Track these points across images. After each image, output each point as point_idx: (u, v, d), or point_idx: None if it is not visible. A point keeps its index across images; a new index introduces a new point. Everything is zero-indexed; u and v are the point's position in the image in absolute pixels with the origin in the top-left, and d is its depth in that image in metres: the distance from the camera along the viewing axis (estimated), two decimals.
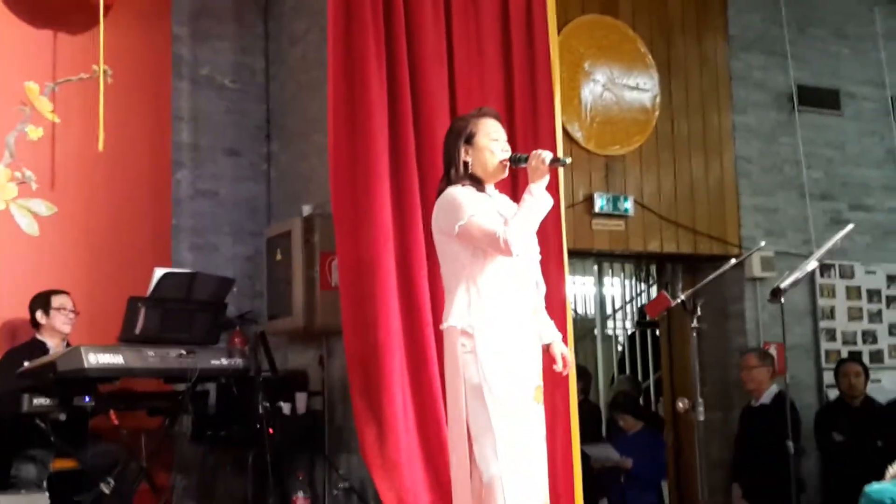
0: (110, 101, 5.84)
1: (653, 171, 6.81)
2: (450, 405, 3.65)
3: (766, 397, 6.33)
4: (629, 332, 8.45)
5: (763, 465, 5.79)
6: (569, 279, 5.38)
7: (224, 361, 5.27)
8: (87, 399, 4.87)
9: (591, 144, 6.59)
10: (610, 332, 8.51)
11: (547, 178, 3.63)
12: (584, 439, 6.30)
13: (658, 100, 6.84)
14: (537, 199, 3.58)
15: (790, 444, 6.38)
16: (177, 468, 5.76)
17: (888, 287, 7.63)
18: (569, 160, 3.83)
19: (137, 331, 5.05)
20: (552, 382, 4.77)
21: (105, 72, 5.88)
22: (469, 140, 3.72)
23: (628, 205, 6.63)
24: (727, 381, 7.11)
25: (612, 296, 8.31)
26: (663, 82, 6.88)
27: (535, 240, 3.74)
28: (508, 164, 3.75)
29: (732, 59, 7.22)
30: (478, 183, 3.71)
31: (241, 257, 6.53)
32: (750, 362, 6.45)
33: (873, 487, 3.28)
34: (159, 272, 5.19)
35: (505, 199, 3.85)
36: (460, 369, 3.53)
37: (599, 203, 6.54)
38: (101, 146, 5.55)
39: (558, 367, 3.79)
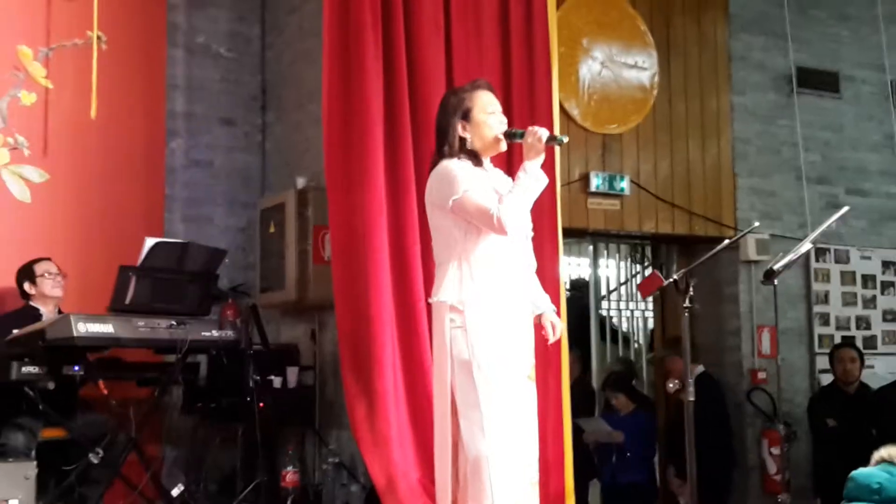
0: (104, 67, 5.79)
1: (650, 151, 6.77)
2: (435, 381, 3.63)
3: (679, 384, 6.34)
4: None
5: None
6: (564, 259, 5.35)
7: (215, 333, 5.24)
8: (76, 368, 4.84)
9: (588, 122, 6.54)
10: (604, 313, 8.49)
11: (542, 156, 3.57)
12: (577, 416, 6.32)
13: (656, 79, 6.79)
14: (532, 178, 3.53)
15: (780, 426, 6.44)
16: (166, 439, 5.74)
17: (883, 273, 7.61)
18: (566, 139, 3.78)
19: (128, 300, 5.02)
20: (545, 360, 4.76)
21: (99, 38, 5.82)
22: (466, 116, 3.66)
23: (624, 184, 6.59)
24: (720, 362, 7.11)
25: (608, 276, 8.28)
26: (662, 61, 6.83)
27: (529, 217, 3.70)
28: (504, 138, 3.69)
29: (732, 39, 7.17)
30: (474, 157, 3.66)
31: (234, 229, 6.50)
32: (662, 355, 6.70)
33: (860, 472, 3.27)
34: (150, 242, 5.16)
35: (500, 174, 3.81)
36: (448, 345, 3.50)
37: (595, 182, 6.50)
38: (93, 113, 5.50)
39: (548, 334, 3.76)
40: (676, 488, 6.46)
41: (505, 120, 3.73)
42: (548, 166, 4.80)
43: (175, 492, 5.09)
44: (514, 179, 3.63)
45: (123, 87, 6.05)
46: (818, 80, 7.47)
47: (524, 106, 5.28)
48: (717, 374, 7.01)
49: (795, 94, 7.33)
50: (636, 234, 7.04)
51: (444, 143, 3.66)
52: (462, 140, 3.65)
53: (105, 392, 5.03)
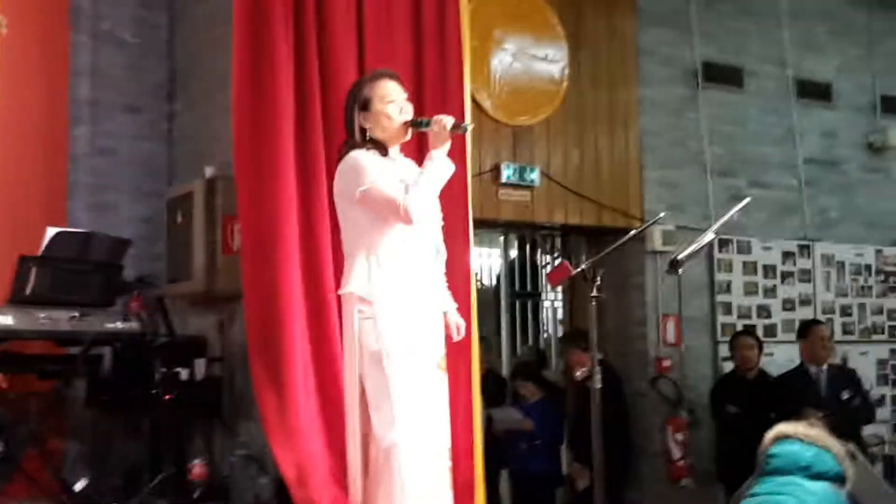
0: (5, 53, 5.62)
1: (560, 143, 6.85)
2: (346, 372, 3.62)
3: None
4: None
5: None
6: (475, 250, 5.38)
7: (119, 325, 5.14)
8: None
9: (500, 114, 6.58)
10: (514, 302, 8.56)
11: (448, 144, 3.59)
12: (488, 406, 6.38)
13: (567, 71, 6.86)
14: (438, 166, 3.55)
15: (684, 413, 6.59)
16: (69, 434, 5.61)
17: (783, 263, 7.83)
18: (471, 127, 3.81)
19: (28, 291, 4.90)
20: (455, 351, 4.78)
21: None
22: (365, 106, 3.66)
23: (535, 176, 6.65)
24: (627, 351, 7.23)
25: (518, 267, 8.34)
26: (572, 54, 6.90)
27: (438, 205, 3.72)
28: (410, 126, 3.69)
29: (641, 33, 7.27)
30: (380, 147, 3.65)
31: (139, 219, 6.36)
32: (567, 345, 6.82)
33: (783, 449, 3.28)
34: (51, 231, 5.04)
35: (409, 164, 3.81)
36: (357, 336, 3.49)
37: (506, 173, 6.54)
38: None
39: (452, 335, 3.79)
40: (575, 472, 6.56)
41: (409, 108, 3.73)
42: (459, 157, 4.84)
43: (78, 486, 4.99)
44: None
45: (25, 73, 5.88)
46: (723, 75, 7.64)
47: (436, 97, 5.28)
48: (624, 363, 7.15)
49: (701, 89, 7.49)
50: (546, 225, 7.11)
51: (349, 135, 3.66)
52: (363, 131, 3.65)
53: (4, 385, 4.90)
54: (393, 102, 3.68)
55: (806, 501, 3.13)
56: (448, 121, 3.57)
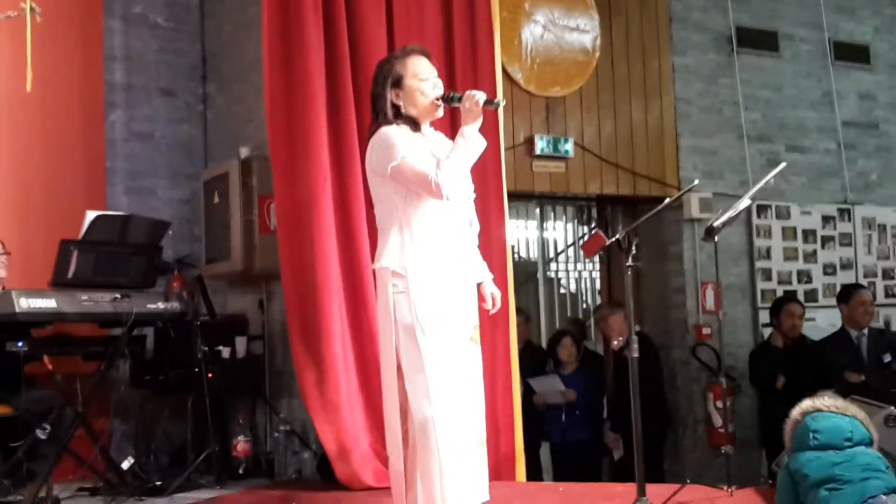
0: (39, 39, 5.65)
1: (593, 113, 6.81)
2: (381, 346, 3.64)
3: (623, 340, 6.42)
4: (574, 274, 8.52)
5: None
6: (511, 222, 5.38)
7: (160, 305, 5.21)
8: (19, 344, 4.79)
9: (532, 86, 6.56)
10: (552, 275, 8.56)
11: (480, 120, 3.57)
12: (527, 377, 6.38)
13: (598, 41, 6.82)
14: (470, 141, 3.54)
15: (724, 380, 6.56)
16: (115, 413, 5.71)
17: (823, 227, 7.75)
18: (503, 102, 3.78)
19: (70, 274, 4.96)
20: (492, 324, 4.80)
21: (33, 9, 5.68)
22: (397, 83, 3.65)
23: (569, 147, 6.63)
24: (666, 319, 7.21)
25: (555, 239, 8.35)
26: (604, 23, 6.86)
27: (470, 178, 3.72)
28: (442, 102, 3.69)
29: (672, 0, 7.21)
30: (412, 123, 3.66)
31: (177, 201, 6.44)
32: (604, 312, 6.74)
33: (826, 423, 3.41)
34: (91, 215, 5.09)
35: (440, 137, 3.81)
36: (392, 310, 3.51)
37: (540, 145, 6.53)
38: (28, 86, 5.39)
39: (487, 306, 3.80)
40: (611, 442, 6.56)
41: (440, 84, 3.72)
42: (492, 130, 4.85)
43: (125, 465, 5.07)
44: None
45: (60, 60, 5.94)
46: (757, 40, 7.55)
47: (467, 71, 5.27)
48: (663, 331, 7.14)
49: (735, 54, 7.41)
50: (581, 196, 7.10)
51: (379, 112, 3.66)
52: (396, 107, 3.65)
53: (50, 368, 4.99)
54: (426, 80, 3.67)
55: (880, 478, 3.28)
56: (480, 96, 3.55)
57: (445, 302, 3.53)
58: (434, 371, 3.44)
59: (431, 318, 3.48)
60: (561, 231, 8.23)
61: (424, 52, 3.73)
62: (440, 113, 3.71)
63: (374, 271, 3.66)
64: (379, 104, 3.65)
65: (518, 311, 5.82)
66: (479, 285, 3.79)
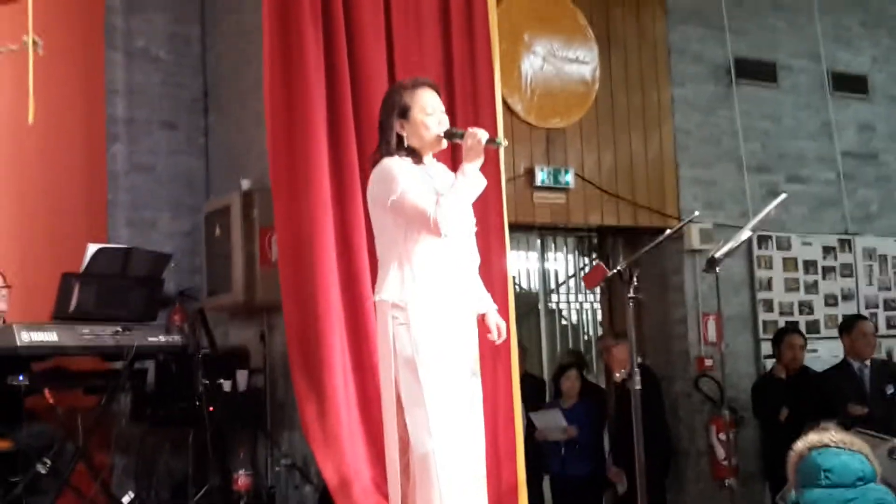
0: (41, 72, 5.65)
1: (593, 144, 6.83)
2: (381, 379, 3.63)
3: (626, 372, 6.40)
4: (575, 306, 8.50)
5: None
6: (512, 254, 5.37)
7: (162, 339, 5.20)
8: (20, 378, 4.77)
9: (532, 117, 6.58)
10: (553, 306, 8.55)
11: (482, 159, 3.58)
12: (527, 410, 6.34)
13: (598, 73, 6.85)
14: (470, 179, 3.54)
15: (727, 412, 6.53)
16: (115, 447, 5.68)
17: (824, 258, 7.75)
18: (505, 143, 3.78)
19: (71, 308, 4.96)
20: (493, 355, 4.78)
21: (35, 42, 5.70)
22: (404, 114, 3.65)
23: (569, 178, 6.64)
24: (668, 350, 7.20)
25: (556, 270, 8.34)
26: (603, 55, 6.89)
27: (471, 211, 3.72)
28: (445, 137, 3.70)
29: (671, 31, 7.25)
30: (414, 155, 3.66)
31: (179, 233, 6.44)
32: (607, 343, 6.66)
33: (837, 461, 3.38)
34: (93, 248, 5.09)
35: (442, 169, 3.82)
36: (392, 342, 3.50)
37: (540, 176, 6.55)
38: (31, 119, 5.40)
39: (493, 336, 3.78)
40: (614, 476, 6.52)
41: (446, 120, 3.73)
42: (492, 161, 4.85)
43: (126, 500, 5.06)
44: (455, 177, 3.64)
45: (62, 93, 5.96)
46: (756, 71, 7.58)
47: (467, 102, 5.29)
48: (665, 363, 7.11)
49: (734, 85, 7.44)
50: (582, 227, 7.10)
51: (384, 140, 3.66)
52: (400, 138, 3.65)
53: (51, 401, 4.97)
54: (432, 115, 3.67)
55: None
56: (483, 135, 3.54)
57: (446, 335, 3.53)
58: (434, 404, 3.43)
59: (432, 351, 3.47)
60: (562, 262, 8.22)
61: (434, 87, 3.75)
62: (443, 145, 3.72)
63: (374, 303, 3.65)
64: (384, 132, 3.66)
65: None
66: (483, 316, 3.78)
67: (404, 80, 3.91)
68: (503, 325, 3.82)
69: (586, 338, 8.39)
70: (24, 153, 5.85)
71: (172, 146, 6.51)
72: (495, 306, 3.84)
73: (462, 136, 3.59)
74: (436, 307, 3.52)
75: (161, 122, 6.49)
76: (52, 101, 5.75)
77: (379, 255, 3.70)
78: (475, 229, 3.81)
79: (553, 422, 6.57)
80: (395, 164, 3.58)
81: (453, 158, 4.44)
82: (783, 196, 4.65)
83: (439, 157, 3.88)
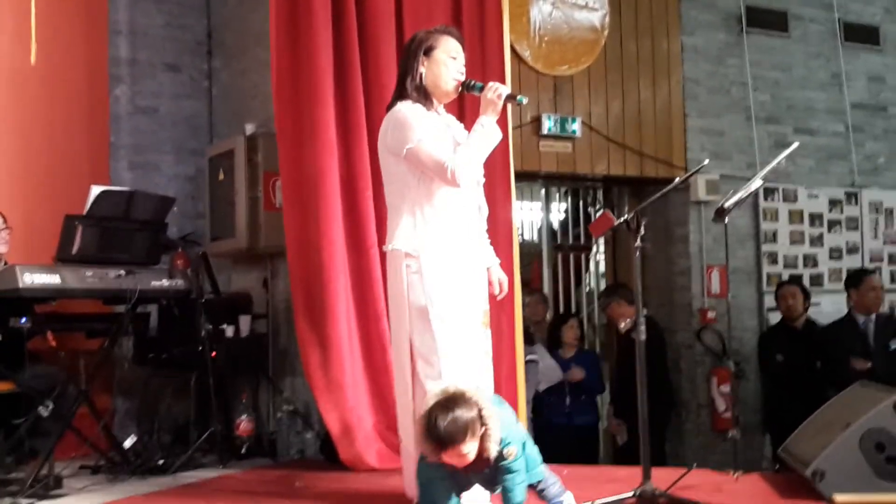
0: (43, 13, 5.60)
1: (601, 93, 6.76)
2: (393, 327, 3.63)
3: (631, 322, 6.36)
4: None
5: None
6: (516, 203, 5.33)
7: (165, 283, 5.16)
8: (23, 320, 4.75)
9: (540, 64, 6.50)
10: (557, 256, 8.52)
11: (499, 112, 3.58)
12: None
13: (607, 20, 6.76)
14: (488, 132, 3.54)
15: (729, 364, 6.53)
16: (118, 391, 5.69)
17: (830, 211, 7.71)
18: (525, 100, 3.75)
19: (74, 250, 4.91)
20: (498, 306, 4.76)
21: None
22: (428, 52, 3.65)
23: (576, 126, 6.58)
24: (671, 302, 7.18)
25: (560, 220, 8.29)
26: (613, 2, 6.79)
27: (481, 164, 3.69)
28: (462, 87, 3.67)
29: None
30: (427, 100, 3.63)
31: (182, 177, 6.40)
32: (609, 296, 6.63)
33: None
34: (96, 190, 5.04)
35: (452, 120, 3.79)
36: (405, 290, 3.49)
37: (547, 124, 6.49)
38: (32, 59, 5.34)
39: (494, 291, 3.79)
40: (614, 427, 6.53)
41: (465, 71, 3.72)
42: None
43: (127, 443, 5.05)
44: (467, 128, 3.61)
45: (64, 33, 5.88)
46: (767, 19, 7.48)
47: (475, 49, 5.20)
48: (668, 314, 7.11)
49: (745, 34, 7.34)
50: (588, 177, 7.05)
51: (405, 78, 3.64)
52: (420, 75, 3.63)
53: (53, 344, 4.95)
54: (454, 59, 3.67)
55: None
56: (504, 90, 3.56)
57: (458, 284, 3.52)
58: (446, 351, 3.43)
59: (444, 300, 3.47)
60: (566, 212, 8.17)
61: (459, 38, 3.76)
62: (454, 94, 3.70)
63: (383, 252, 3.63)
64: (405, 70, 3.64)
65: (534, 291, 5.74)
66: (487, 270, 3.77)
67: (436, 26, 3.88)
68: (505, 279, 3.82)
69: (588, 288, 8.37)
70: (26, 94, 5.77)
71: (176, 89, 6.44)
72: (498, 260, 3.82)
73: (480, 89, 3.59)
74: (449, 256, 3.51)
75: (164, 64, 6.42)
76: (54, 41, 5.69)
77: (389, 203, 3.67)
78: (483, 180, 3.79)
79: (555, 371, 6.55)
80: (410, 111, 3.54)
81: (460, 111, 4.39)
82: (794, 145, 4.58)
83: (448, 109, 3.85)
